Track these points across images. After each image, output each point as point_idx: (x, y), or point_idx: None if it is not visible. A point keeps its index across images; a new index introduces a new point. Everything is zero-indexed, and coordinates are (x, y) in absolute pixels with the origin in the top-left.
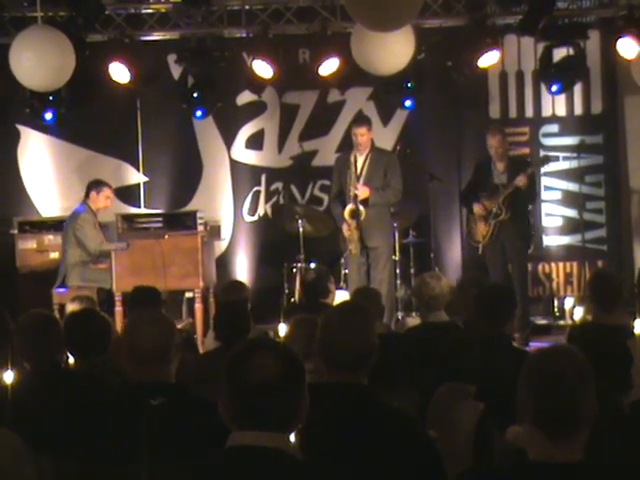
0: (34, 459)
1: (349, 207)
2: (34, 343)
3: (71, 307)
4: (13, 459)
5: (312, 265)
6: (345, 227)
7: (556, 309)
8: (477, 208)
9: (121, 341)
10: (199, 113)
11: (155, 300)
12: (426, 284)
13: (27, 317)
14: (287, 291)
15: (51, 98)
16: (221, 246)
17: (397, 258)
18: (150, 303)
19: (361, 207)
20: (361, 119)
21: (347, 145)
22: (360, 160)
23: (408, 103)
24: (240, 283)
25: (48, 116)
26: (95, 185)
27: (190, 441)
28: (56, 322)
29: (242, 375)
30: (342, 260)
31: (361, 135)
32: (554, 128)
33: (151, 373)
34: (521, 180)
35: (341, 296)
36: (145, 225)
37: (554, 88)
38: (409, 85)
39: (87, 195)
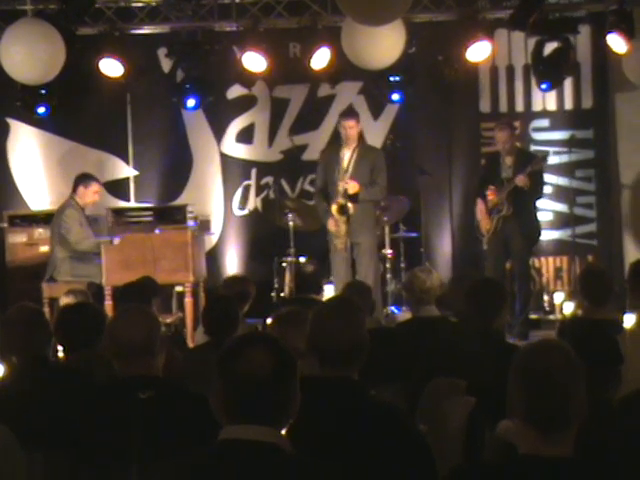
0: (23, 453)
1: (338, 202)
2: (21, 336)
3: (65, 300)
4: (3, 452)
5: (302, 259)
6: (331, 222)
7: (546, 304)
8: (480, 204)
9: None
10: (192, 102)
11: (149, 292)
12: (417, 278)
13: (14, 310)
14: (277, 286)
15: (43, 91)
16: (211, 240)
17: (388, 252)
18: (144, 295)
19: (349, 203)
20: (349, 112)
21: (338, 139)
22: (347, 155)
23: (396, 97)
24: (242, 278)
25: (41, 110)
26: (83, 180)
27: (179, 434)
28: (43, 315)
29: (234, 369)
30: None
31: (350, 128)
32: (544, 123)
33: (136, 367)
34: (520, 180)
35: (330, 290)
36: (135, 219)
37: (543, 86)
38: (396, 79)
39: (74, 190)
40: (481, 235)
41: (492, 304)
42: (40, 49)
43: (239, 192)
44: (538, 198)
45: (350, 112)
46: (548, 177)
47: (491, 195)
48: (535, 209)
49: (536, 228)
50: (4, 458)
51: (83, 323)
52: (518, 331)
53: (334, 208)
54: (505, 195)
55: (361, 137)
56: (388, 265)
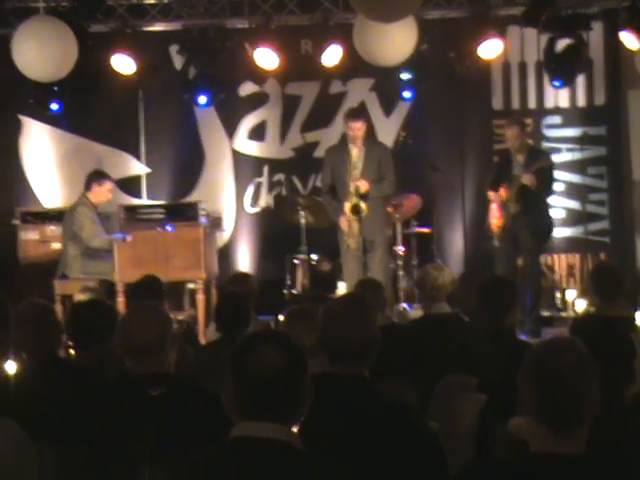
0: (35, 450)
1: (351, 202)
2: (31, 333)
3: (79, 297)
4: (15, 449)
5: (314, 257)
6: (344, 221)
7: (558, 301)
8: (492, 195)
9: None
10: (203, 99)
11: (157, 291)
12: (428, 275)
13: (24, 307)
14: (289, 283)
15: (56, 88)
16: (223, 237)
17: (400, 249)
18: (152, 294)
19: (362, 203)
20: (356, 112)
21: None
22: (354, 153)
23: (407, 94)
24: (245, 275)
25: (54, 106)
26: (97, 178)
27: (190, 431)
28: (53, 312)
29: (246, 366)
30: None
31: (358, 129)
32: (557, 120)
33: (148, 364)
34: (527, 179)
35: (343, 287)
36: (147, 216)
37: (556, 83)
38: (408, 77)
39: (89, 188)
40: (491, 233)
41: (503, 302)
42: (52, 46)
43: (251, 189)
44: (548, 195)
45: (356, 112)
46: (560, 174)
47: (504, 192)
48: (546, 206)
49: (546, 225)
50: (15, 454)
51: (95, 320)
52: (530, 328)
53: (347, 207)
54: (514, 193)
55: (368, 134)
56: (400, 262)
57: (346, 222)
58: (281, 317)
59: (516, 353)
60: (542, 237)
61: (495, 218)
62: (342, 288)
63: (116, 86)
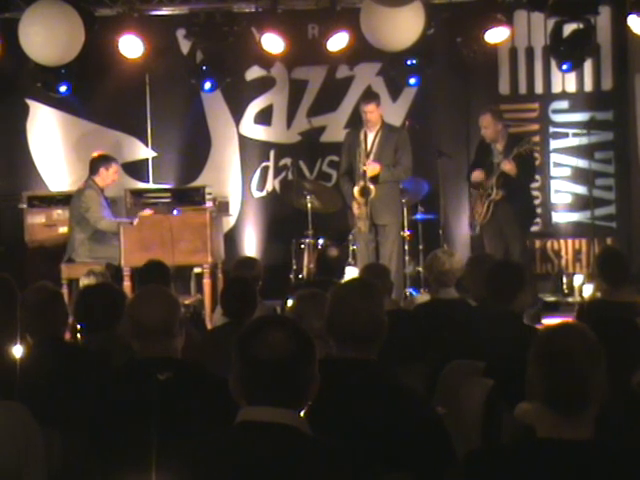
0: (43, 433)
1: (359, 184)
2: (38, 317)
3: (85, 281)
4: (23, 431)
5: (320, 241)
6: (355, 204)
7: (565, 286)
8: (474, 177)
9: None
10: (208, 85)
11: (164, 275)
12: (437, 259)
13: (31, 291)
14: (295, 267)
15: (63, 71)
16: (229, 222)
17: (406, 234)
18: (159, 278)
19: (370, 185)
20: (369, 95)
21: (356, 121)
22: (370, 137)
23: (412, 81)
24: (251, 259)
25: (63, 89)
26: (103, 161)
27: (198, 416)
28: (60, 296)
29: (253, 351)
30: (350, 236)
31: (370, 112)
32: (564, 104)
33: (156, 347)
34: (505, 165)
35: (350, 272)
36: (154, 200)
37: (564, 67)
38: (413, 62)
39: (96, 171)
40: (474, 221)
41: (511, 287)
42: (59, 30)
43: (257, 173)
44: (529, 182)
45: (370, 96)
46: (567, 159)
47: (477, 176)
48: (528, 191)
49: (530, 210)
50: (26, 438)
51: (103, 304)
52: (533, 313)
53: (356, 190)
54: (494, 180)
55: (382, 119)
56: (406, 247)
57: (356, 205)
58: (289, 301)
59: (523, 338)
60: (527, 222)
61: (478, 206)
62: (349, 273)
63: (123, 70)
